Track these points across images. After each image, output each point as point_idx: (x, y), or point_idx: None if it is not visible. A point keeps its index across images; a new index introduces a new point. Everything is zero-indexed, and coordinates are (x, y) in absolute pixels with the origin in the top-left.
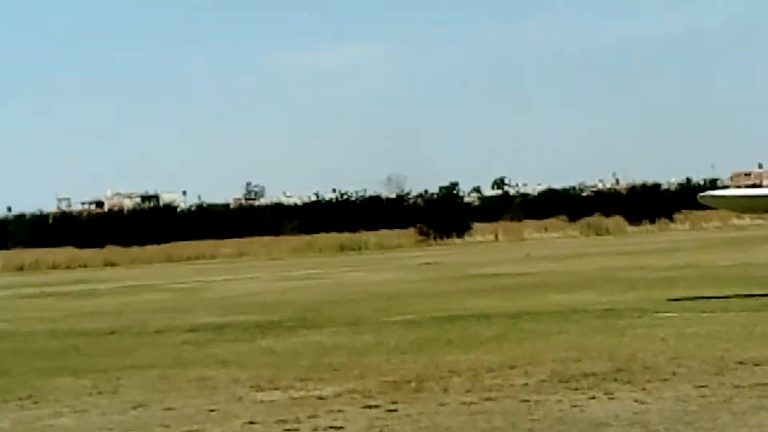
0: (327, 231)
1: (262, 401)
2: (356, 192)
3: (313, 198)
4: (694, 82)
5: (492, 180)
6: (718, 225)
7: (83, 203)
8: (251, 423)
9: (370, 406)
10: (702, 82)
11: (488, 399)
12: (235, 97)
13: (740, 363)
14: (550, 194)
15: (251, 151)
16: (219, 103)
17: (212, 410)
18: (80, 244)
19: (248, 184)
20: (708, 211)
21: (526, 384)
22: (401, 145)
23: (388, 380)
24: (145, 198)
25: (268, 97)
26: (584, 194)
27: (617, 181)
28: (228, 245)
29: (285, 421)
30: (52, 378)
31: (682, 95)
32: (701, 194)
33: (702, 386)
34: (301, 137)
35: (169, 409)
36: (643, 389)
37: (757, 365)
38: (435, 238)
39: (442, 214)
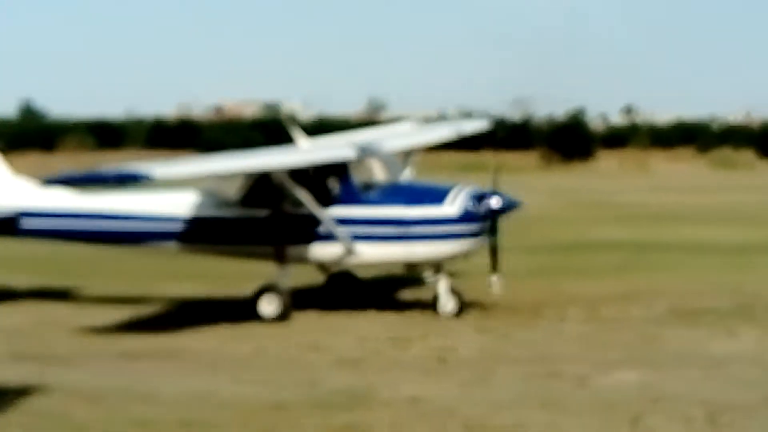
0: (448, 150)
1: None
2: (479, 110)
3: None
4: None
5: (620, 107)
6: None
7: (203, 109)
8: (364, 338)
9: (484, 330)
10: None
11: (605, 329)
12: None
13: None
14: (678, 125)
15: (376, 64)
16: (346, 11)
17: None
18: (200, 151)
19: (371, 97)
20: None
21: (645, 316)
22: (531, 67)
23: (505, 305)
24: (265, 106)
25: (395, 8)
26: (714, 127)
27: (749, 115)
28: None
29: (397, 339)
30: None
31: None
32: None
33: None
34: (429, 53)
35: None
36: (766, 329)
37: None
38: (559, 163)
39: (567, 140)
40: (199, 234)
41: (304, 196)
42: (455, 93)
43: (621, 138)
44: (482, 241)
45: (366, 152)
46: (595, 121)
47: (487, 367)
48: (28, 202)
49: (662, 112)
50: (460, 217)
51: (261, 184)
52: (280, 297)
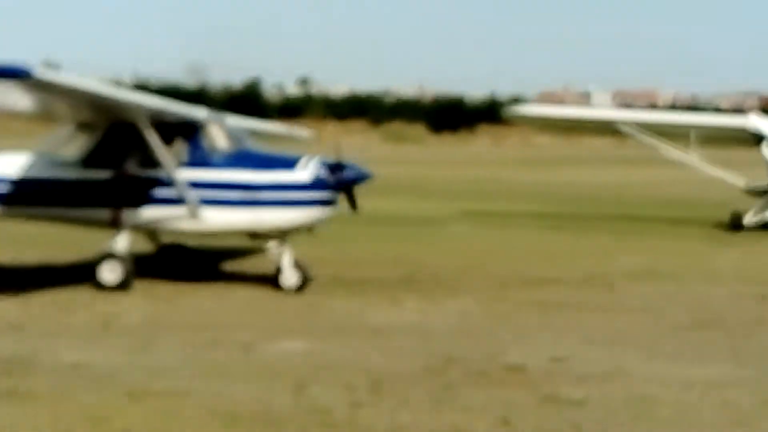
0: None
1: None
2: (156, 78)
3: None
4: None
5: (295, 78)
6: (518, 142)
7: None
8: (28, 302)
9: (151, 296)
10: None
11: (271, 298)
12: None
13: (525, 281)
14: (352, 97)
15: (50, 27)
16: None
17: None
18: None
19: (45, 60)
20: (509, 128)
21: (311, 285)
22: (208, 32)
23: (174, 274)
24: None
25: None
26: (387, 100)
27: (421, 89)
28: None
29: (62, 304)
30: None
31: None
32: (515, 108)
33: (485, 300)
34: (103, 17)
35: None
36: (428, 299)
37: (540, 284)
38: None
39: (242, 109)
40: (29, 197)
41: (162, 152)
42: (131, 59)
43: (296, 109)
44: (330, 211)
45: (216, 117)
46: (271, 91)
47: (151, 333)
48: None
49: (337, 84)
50: (311, 184)
51: (105, 143)
52: (122, 264)
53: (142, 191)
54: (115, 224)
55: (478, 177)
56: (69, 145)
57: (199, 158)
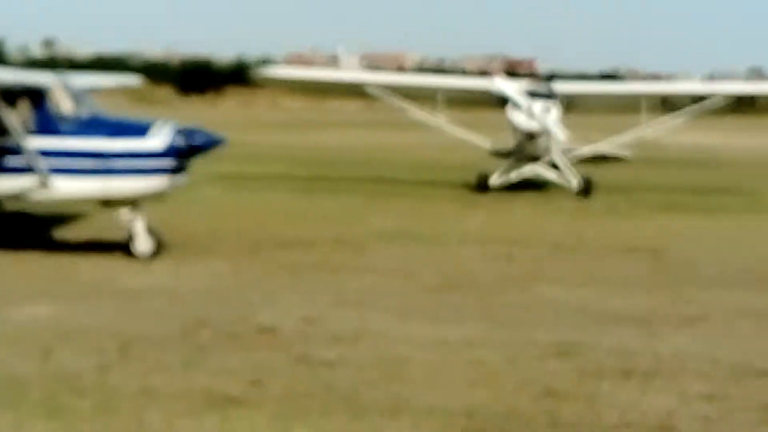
0: None
1: None
2: None
3: None
4: None
5: (40, 39)
6: (267, 104)
7: None
8: None
9: None
10: None
11: (21, 262)
12: None
13: (277, 243)
14: (98, 59)
15: None
16: None
17: None
18: None
19: None
20: (258, 90)
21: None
22: None
23: None
24: None
25: None
26: (134, 62)
27: (169, 50)
28: None
29: None
30: None
31: None
32: (262, 70)
33: (236, 263)
34: None
35: None
36: (180, 262)
37: (292, 246)
38: None
39: None
40: None
41: (9, 120)
42: None
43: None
44: (183, 179)
45: (63, 82)
46: (15, 53)
47: None
48: None
49: (84, 46)
50: (164, 151)
51: None
52: None
53: None
54: None
55: (228, 139)
56: None
57: (48, 126)
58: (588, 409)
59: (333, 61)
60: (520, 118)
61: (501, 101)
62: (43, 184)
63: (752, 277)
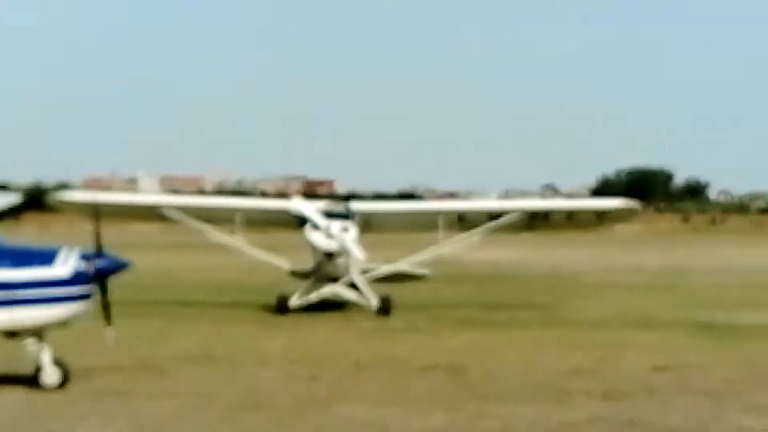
0: None
1: None
2: None
3: None
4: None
5: None
6: (66, 228)
7: None
8: None
9: None
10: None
11: None
12: None
13: (77, 369)
14: None
15: None
16: None
17: None
18: None
19: None
20: (56, 215)
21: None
22: None
23: None
24: None
25: None
26: None
27: None
28: None
29: None
30: None
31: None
32: (60, 195)
33: (43, 393)
34: None
35: None
36: None
37: (91, 373)
38: None
39: None
40: None
41: None
42: None
43: None
44: (91, 304)
45: None
46: None
47: None
48: None
49: None
50: (71, 279)
51: None
52: None
53: None
54: None
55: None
56: None
57: None
58: None
59: (132, 184)
60: (318, 239)
61: (300, 222)
62: None
63: (551, 392)
